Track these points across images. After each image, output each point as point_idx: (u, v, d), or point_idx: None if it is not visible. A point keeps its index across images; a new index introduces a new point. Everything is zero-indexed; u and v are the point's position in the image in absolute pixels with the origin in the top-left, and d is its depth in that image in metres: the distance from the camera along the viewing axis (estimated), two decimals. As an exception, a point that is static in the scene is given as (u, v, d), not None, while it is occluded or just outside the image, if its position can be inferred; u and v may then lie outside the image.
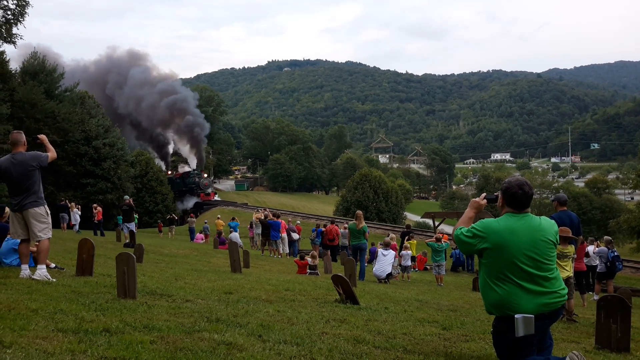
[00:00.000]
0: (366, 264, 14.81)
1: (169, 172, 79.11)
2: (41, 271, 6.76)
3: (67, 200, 27.89)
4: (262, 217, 21.13)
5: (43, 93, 38.03)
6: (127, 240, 18.47)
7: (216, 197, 73.36)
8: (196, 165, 77.95)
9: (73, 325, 4.25)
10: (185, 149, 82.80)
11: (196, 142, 78.24)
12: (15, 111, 35.01)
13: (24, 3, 33.17)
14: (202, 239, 29.25)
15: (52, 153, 6.95)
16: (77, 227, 25.82)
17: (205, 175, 75.42)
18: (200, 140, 78.28)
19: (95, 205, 27.69)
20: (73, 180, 40.95)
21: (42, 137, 7.03)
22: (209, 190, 71.62)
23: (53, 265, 8.21)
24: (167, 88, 79.77)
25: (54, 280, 6.75)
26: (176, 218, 37.00)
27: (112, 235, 24.93)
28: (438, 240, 15.98)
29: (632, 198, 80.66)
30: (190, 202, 69.67)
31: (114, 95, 77.91)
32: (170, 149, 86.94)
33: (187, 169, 78.22)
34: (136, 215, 26.77)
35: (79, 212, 26.09)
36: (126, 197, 21.76)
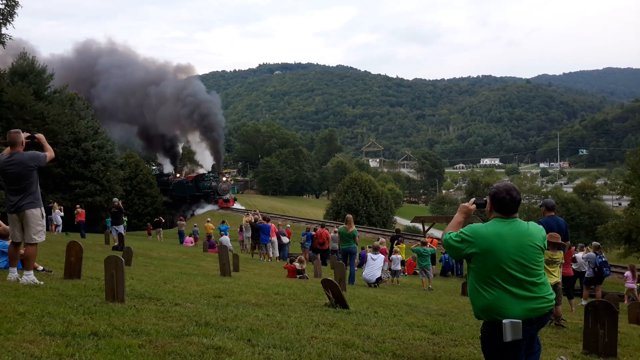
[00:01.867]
0: (356, 268, 14.81)
1: (178, 175, 70.19)
2: (28, 277, 6.70)
3: (55, 203, 27.71)
4: (252, 221, 21.09)
5: (32, 94, 37.75)
6: (116, 243, 18.36)
7: (236, 205, 62.46)
8: (212, 167, 67.43)
9: (61, 329, 4.22)
10: (198, 147, 71.81)
11: (212, 138, 66.17)
12: (3, 112, 34.73)
13: (13, 3, 32.85)
14: (192, 242, 29.13)
15: (50, 153, 6.86)
16: (59, 229, 25.47)
17: (225, 178, 64.44)
18: (217, 136, 66.17)
19: (77, 206, 27.57)
20: (62, 182, 40.65)
21: (40, 136, 6.91)
22: (228, 196, 61.10)
23: (41, 267, 8.15)
24: (164, 75, 69.43)
25: (42, 283, 6.70)
26: (163, 221, 36.65)
27: (100, 238, 24.76)
28: (424, 244, 16.02)
29: (620, 204, 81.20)
30: (205, 210, 59.43)
31: (95, 88, 65.77)
32: (180, 147, 75.46)
33: (200, 170, 68.58)
34: (125, 218, 26.64)
35: (62, 214, 25.70)
36: (115, 199, 21.64)
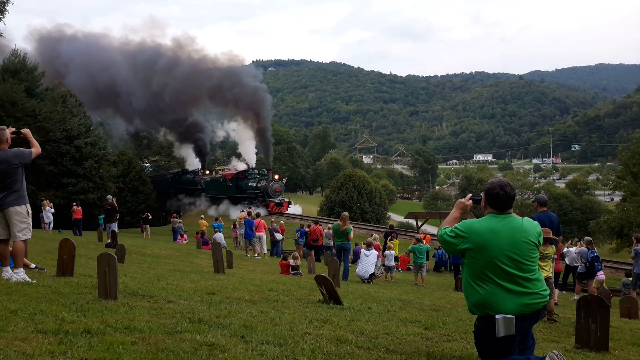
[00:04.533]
0: (350, 264, 14.84)
1: (207, 172, 59.07)
2: (18, 275, 6.63)
3: (45, 200, 27.51)
4: (246, 217, 21.04)
5: (24, 91, 37.52)
6: (109, 241, 18.30)
7: (292, 208, 51.65)
8: (255, 163, 56.21)
9: (53, 327, 4.20)
10: (239, 137, 59.56)
11: (257, 126, 53.04)
12: (-6, 109, 34.53)
13: (4, 0, 32.64)
14: (186, 240, 29.03)
15: (36, 148, 6.79)
16: (50, 226, 25.23)
17: (277, 176, 51.00)
18: (264, 124, 52.64)
19: (74, 203, 27.42)
20: (54, 180, 40.44)
21: (26, 131, 6.84)
22: (281, 199, 49.25)
23: (33, 265, 8.09)
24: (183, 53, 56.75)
25: (34, 281, 6.65)
26: (150, 217, 36.22)
27: (93, 235, 24.66)
28: (419, 240, 16.06)
29: (612, 199, 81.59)
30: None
31: (68, 76, 53.84)
32: (208, 137, 62.82)
33: (242, 166, 57.26)
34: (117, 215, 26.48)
35: (52, 210, 25.44)
36: (109, 197, 21.57)
